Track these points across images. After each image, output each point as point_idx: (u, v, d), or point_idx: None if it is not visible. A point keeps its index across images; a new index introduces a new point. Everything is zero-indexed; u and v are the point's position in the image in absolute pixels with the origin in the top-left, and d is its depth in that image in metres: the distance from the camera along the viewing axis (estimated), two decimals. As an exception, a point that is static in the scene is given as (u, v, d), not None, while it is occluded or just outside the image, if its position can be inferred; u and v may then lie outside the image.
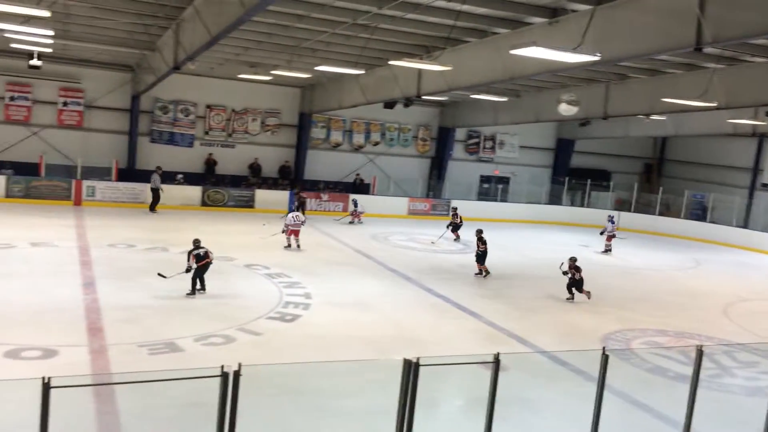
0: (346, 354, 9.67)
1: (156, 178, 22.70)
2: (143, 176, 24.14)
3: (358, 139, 29.38)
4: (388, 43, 16.02)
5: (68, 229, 17.60)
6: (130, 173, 24.74)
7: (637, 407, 8.69)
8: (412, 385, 5.56)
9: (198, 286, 12.07)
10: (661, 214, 28.65)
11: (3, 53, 22.34)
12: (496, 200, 30.19)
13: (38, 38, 17.41)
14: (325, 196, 26.16)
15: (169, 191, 23.66)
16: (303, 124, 27.99)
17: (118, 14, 15.30)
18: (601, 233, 22.25)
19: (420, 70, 17.42)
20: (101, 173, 23.66)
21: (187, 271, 11.92)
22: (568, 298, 14.02)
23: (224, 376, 5.03)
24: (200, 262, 11.99)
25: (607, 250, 21.66)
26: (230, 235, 18.65)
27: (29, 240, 15.60)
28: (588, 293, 14.00)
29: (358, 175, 28.73)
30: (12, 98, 23.69)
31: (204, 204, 24.21)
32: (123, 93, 25.12)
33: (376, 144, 29.75)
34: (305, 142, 28.13)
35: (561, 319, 12.89)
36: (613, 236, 21.88)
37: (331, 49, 17.39)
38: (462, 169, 31.22)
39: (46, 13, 12.71)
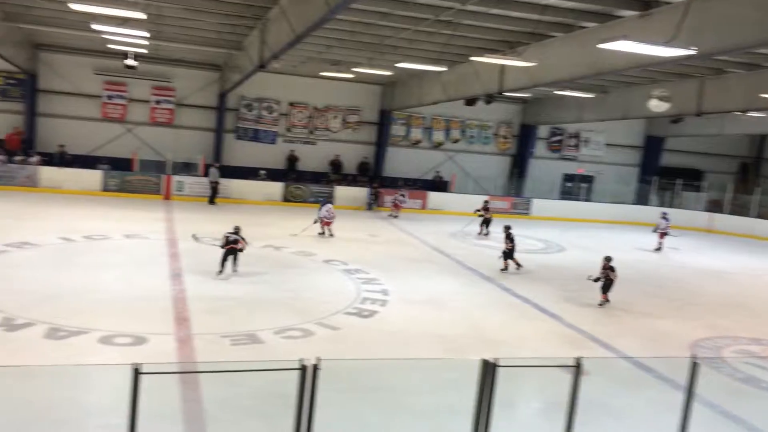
0: (422, 351, 9.65)
1: (214, 171, 23.40)
2: (229, 172, 25.01)
3: (438, 136, 29.28)
4: (471, 39, 15.86)
5: (158, 222, 18.39)
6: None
7: (727, 419, 8.24)
8: (490, 385, 5.47)
9: (219, 268, 12.74)
10: (759, 216, 27.07)
11: (101, 54, 23.60)
12: (579, 199, 29.41)
13: (134, 39, 18.29)
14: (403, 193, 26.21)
15: (251, 187, 24.38)
16: (383, 121, 28.17)
17: (207, 15, 15.85)
18: (654, 230, 21.37)
19: (503, 66, 17.16)
20: (189, 169, 24.65)
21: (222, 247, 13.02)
22: (600, 304, 13.09)
23: (303, 369, 5.11)
24: (227, 245, 12.73)
25: (659, 248, 20.89)
26: (309, 230, 18.99)
27: (123, 232, 16.41)
28: (605, 300, 13.05)
29: (437, 172, 28.64)
30: (109, 97, 25.02)
31: (285, 200, 24.77)
32: (211, 91, 26.05)
33: (456, 141, 29.56)
34: (385, 139, 28.29)
35: (645, 323, 12.39)
36: (666, 234, 21.01)
37: (412, 46, 17.39)
38: (544, 167, 30.58)
39: (142, 16, 13.33)
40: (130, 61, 21.61)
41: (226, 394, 7.34)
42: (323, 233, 18.40)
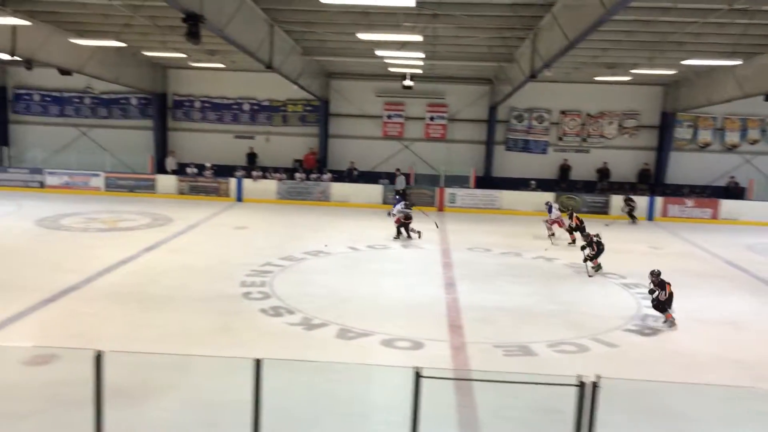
0: (715, 377, 8.64)
1: (401, 179, 23.86)
2: (499, 183, 25.26)
3: (732, 137, 26.18)
4: (772, 25, 13.96)
5: (433, 233, 19.23)
6: (486, 181, 26.07)
7: None
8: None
9: (395, 235, 17.32)
10: None
11: (382, 77, 25.55)
12: None
13: (411, 61, 19.50)
14: (689, 202, 23.91)
15: (522, 197, 24.24)
16: (665, 125, 26.06)
17: (479, 31, 16.21)
18: None
19: (815, 52, 14.78)
20: (461, 181, 25.42)
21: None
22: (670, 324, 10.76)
23: (581, 386, 4.89)
24: (402, 220, 17.36)
25: None
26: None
27: (400, 242, 17.48)
28: (671, 319, 10.71)
29: (732, 177, 25.61)
30: (389, 116, 27.03)
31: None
32: (481, 105, 26.61)
33: (754, 142, 26.12)
34: (668, 144, 26.13)
35: None
36: None
37: (701, 41, 15.88)
38: None
39: (418, 38, 14.15)
40: (407, 82, 23.01)
41: (499, 404, 7.34)
42: (398, 236, 17.71)
